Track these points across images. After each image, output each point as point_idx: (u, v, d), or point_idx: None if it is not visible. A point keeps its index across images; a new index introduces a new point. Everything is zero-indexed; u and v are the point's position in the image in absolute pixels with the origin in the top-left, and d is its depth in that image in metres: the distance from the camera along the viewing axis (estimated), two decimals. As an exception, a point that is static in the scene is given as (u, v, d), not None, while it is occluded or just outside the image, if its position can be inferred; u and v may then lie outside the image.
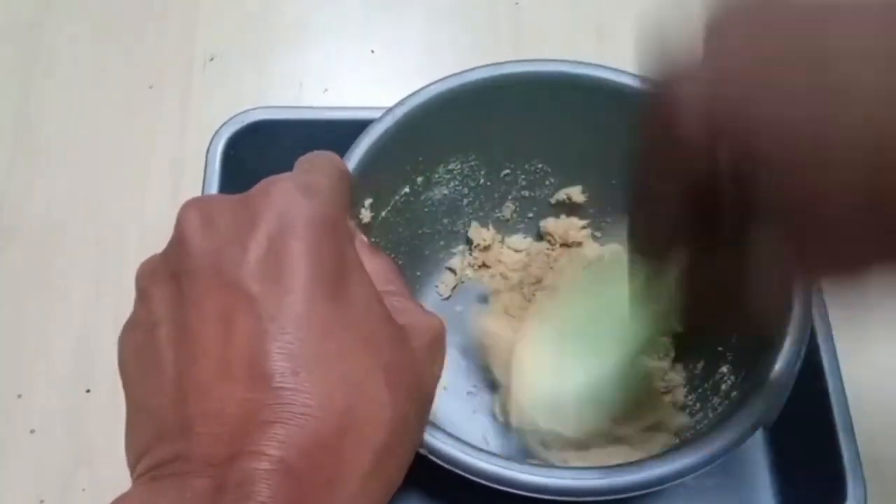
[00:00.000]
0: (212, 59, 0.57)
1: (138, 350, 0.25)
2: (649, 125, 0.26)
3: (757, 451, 0.45)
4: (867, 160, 0.22)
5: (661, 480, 0.32)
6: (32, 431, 0.45)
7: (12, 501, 0.44)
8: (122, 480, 0.43)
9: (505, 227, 0.49)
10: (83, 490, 0.44)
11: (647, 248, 0.31)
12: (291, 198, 0.24)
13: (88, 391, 0.46)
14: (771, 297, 0.28)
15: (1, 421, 0.45)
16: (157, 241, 0.49)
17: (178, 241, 0.25)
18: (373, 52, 0.58)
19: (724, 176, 0.24)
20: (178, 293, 0.24)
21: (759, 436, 0.45)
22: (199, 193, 0.51)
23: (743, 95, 0.23)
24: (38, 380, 0.47)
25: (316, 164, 0.28)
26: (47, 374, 0.47)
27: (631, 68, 0.41)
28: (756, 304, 0.27)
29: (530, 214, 0.49)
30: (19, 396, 0.46)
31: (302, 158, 0.28)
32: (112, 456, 0.44)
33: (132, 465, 0.24)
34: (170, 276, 0.25)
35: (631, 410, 0.41)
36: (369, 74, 0.57)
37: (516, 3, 0.60)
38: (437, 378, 0.27)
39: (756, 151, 0.23)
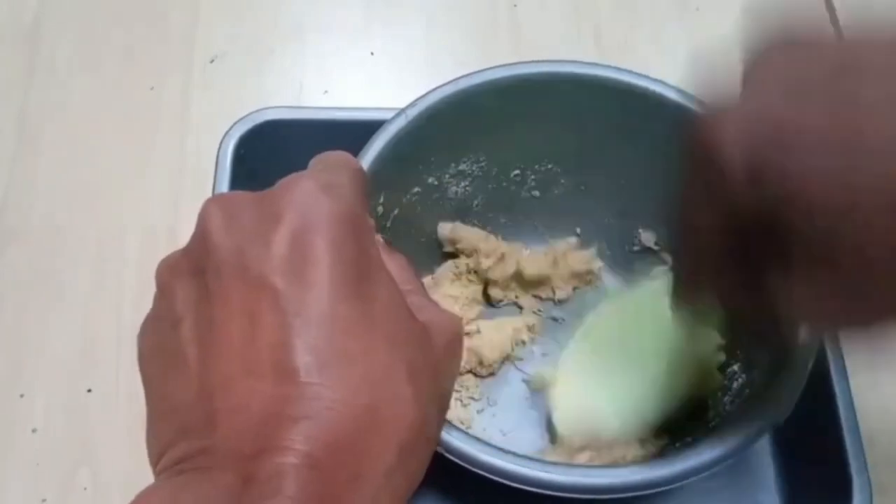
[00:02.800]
0: (212, 61, 0.57)
1: (160, 346, 0.25)
2: (689, 158, 0.27)
3: (763, 453, 0.45)
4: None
5: (679, 477, 0.32)
6: (34, 431, 0.45)
7: (14, 500, 0.44)
8: (124, 479, 0.44)
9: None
10: (84, 489, 0.44)
11: (690, 287, 0.33)
12: (313, 195, 0.24)
13: (90, 390, 0.46)
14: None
15: (3, 420, 0.45)
16: (158, 241, 0.50)
17: (202, 238, 0.25)
18: (372, 53, 0.58)
19: (758, 216, 0.26)
20: (201, 289, 0.24)
21: (765, 438, 0.45)
22: (200, 193, 0.51)
23: (777, 139, 0.24)
24: (40, 379, 0.47)
25: (332, 163, 0.28)
26: (49, 374, 0.47)
27: (632, 69, 0.41)
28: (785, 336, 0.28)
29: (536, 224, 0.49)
30: (21, 396, 0.46)
31: (316, 158, 0.28)
32: (113, 455, 0.45)
33: (154, 461, 0.24)
34: (192, 273, 0.24)
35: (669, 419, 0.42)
36: (369, 75, 0.58)
37: (515, 6, 0.60)
38: (455, 376, 0.27)
39: (788, 196, 0.24)
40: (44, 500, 0.44)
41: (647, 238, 0.48)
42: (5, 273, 0.49)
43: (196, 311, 0.24)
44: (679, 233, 0.31)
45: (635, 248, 0.48)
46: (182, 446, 0.22)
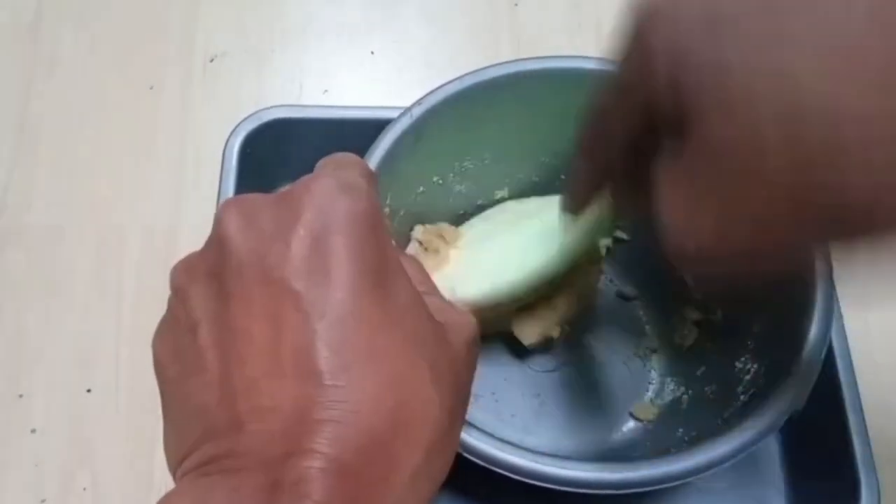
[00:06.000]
0: (212, 60, 0.57)
1: (178, 350, 0.24)
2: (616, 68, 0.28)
3: (770, 454, 0.45)
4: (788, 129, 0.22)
5: (698, 470, 0.32)
6: (33, 431, 0.45)
7: (13, 501, 0.44)
8: (123, 480, 0.44)
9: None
10: (84, 489, 0.44)
11: (577, 191, 0.35)
12: (332, 194, 0.24)
13: (89, 391, 0.46)
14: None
15: (2, 421, 0.45)
16: (158, 241, 0.50)
17: (220, 240, 0.24)
18: (372, 53, 0.58)
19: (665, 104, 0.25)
20: (219, 292, 0.24)
21: (772, 437, 0.45)
22: (199, 193, 0.52)
23: (688, 28, 0.24)
24: (39, 380, 0.47)
25: (345, 164, 0.27)
26: (48, 374, 0.47)
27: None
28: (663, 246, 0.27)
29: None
30: (20, 396, 0.46)
31: (326, 159, 0.28)
32: (113, 455, 0.45)
33: (175, 465, 0.23)
34: (209, 276, 0.24)
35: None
36: (369, 74, 0.58)
37: (515, 5, 0.60)
38: (472, 376, 0.27)
39: (689, 88, 0.24)
40: (43, 501, 0.43)
41: (646, 229, 0.48)
42: (5, 273, 0.49)
43: (214, 314, 0.23)
44: (586, 124, 0.31)
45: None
46: (207, 449, 0.22)
